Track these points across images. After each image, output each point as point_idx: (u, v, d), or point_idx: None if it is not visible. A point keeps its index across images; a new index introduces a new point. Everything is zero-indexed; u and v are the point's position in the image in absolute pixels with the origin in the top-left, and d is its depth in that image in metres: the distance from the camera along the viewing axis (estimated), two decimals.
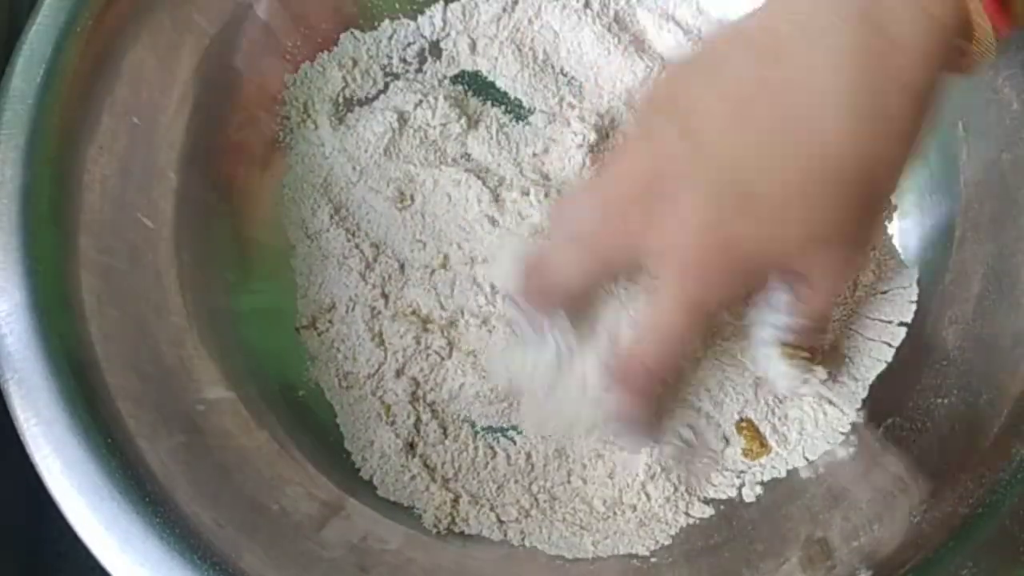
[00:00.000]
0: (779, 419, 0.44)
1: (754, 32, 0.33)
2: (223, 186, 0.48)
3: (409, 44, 0.52)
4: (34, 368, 0.37)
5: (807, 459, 0.44)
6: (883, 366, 0.45)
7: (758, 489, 0.44)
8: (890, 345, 0.45)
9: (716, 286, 0.33)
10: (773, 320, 0.37)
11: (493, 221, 0.47)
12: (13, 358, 0.37)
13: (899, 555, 0.37)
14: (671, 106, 0.34)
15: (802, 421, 0.44)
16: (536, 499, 0.44)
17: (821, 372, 0.42)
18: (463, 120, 0.49)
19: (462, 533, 0.44)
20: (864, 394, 0.45)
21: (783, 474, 0.44)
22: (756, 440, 0.43)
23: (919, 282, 0.46)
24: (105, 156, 0.42)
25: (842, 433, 0.44)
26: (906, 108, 0.32)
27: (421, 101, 0.49)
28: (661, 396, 0.39)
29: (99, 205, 0.42)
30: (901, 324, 0.46)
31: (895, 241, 0.48)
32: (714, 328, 0.42)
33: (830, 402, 0.44)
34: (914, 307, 0.46)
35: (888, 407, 0.44)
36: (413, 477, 0.44)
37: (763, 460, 0.44)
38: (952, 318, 0.44)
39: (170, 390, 0.41)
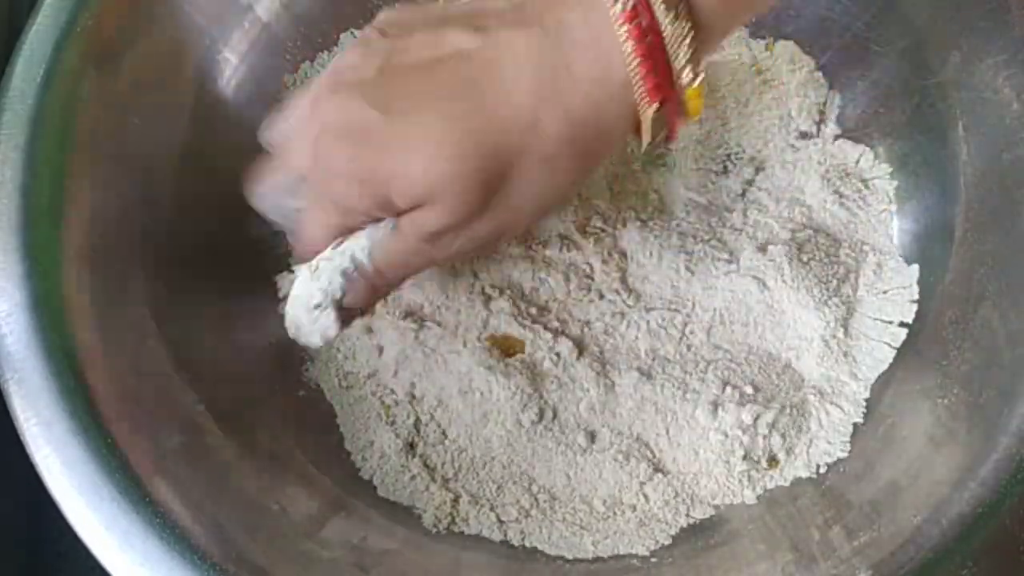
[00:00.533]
0: (786, 426, 0.44)
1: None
2: (225, 185, 0.47)
3: None
4: (34, 368, 0.37)
5: (810, 460, 0.44)
6: (884, 367, 0.45)
7: (758, 490, 0.44)
8: (891, 346, 0.45)
9: (350, 198, 0.37)
10: (354, 250, 0.39)
11: None
12: (13, 358, 0.37)
13: (899, 555, 0.37)
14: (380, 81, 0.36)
15: (806, 425, 0.44)
16: (536, 499, 0.44)
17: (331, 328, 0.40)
18: None
19: (462, 533, 0.44)
20: (866, 395, 0.45)
21: (787, 483, 0.44)
22: None
23: (919, 282, 0.46)
24: (104, 156, 0.42)
25: (845, 434, 0.44)
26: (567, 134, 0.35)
27: None
28: None
29: (99, 205, 0.41)
30: (902, 324, 0.46)
31: (895, 241, 0.48)
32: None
33: (833, 403, 0.44)
34: (915, 307, 0.46)
35: (888, 407, 0.44)
36: (413, 477, 0.44)
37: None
38: (952, 318, 0.43)
39: (168, 390, 0.41)
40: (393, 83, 0.36)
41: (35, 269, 0.38)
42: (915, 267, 0.46)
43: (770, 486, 0.44)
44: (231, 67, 0.48)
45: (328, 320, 0.39)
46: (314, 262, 0.39)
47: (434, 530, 0.43)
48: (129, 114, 0.43)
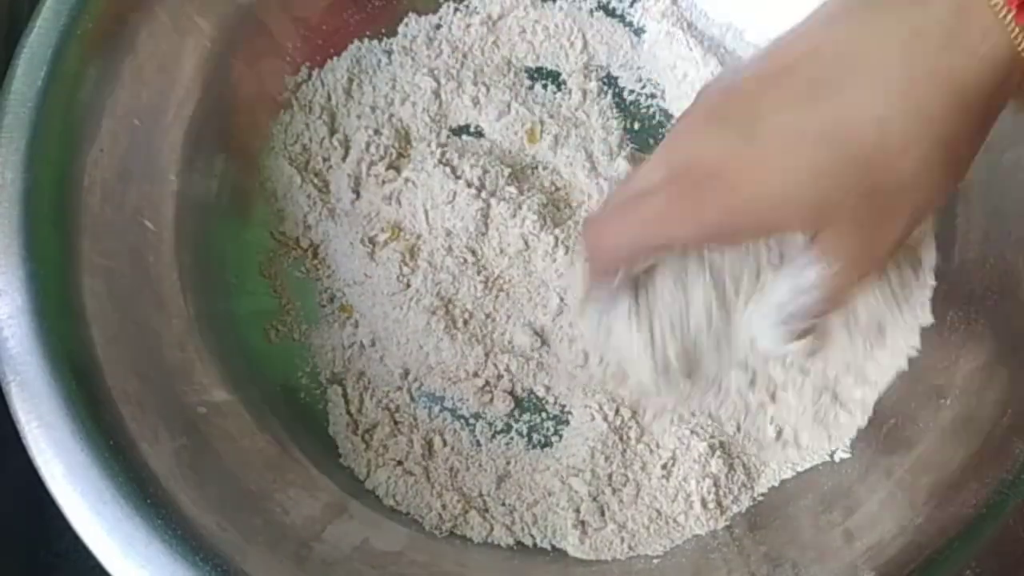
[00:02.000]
0: (790, 424, 0.44)
1: (801, 57, 0.33)
2: (224, 187, 0.48)
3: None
4: (36, 372, 0.37)
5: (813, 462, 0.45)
6: (894, 372, 0.45)
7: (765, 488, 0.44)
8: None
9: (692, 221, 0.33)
10: (792, 283, 0.36)
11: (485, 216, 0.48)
12: (15, 361, 0.37)
13: (903, 555, 0.37)
14: (730, 115, 0.33)
15: (808, 426, 0.44)
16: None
17: (804, 347, 0.39)
18: None
19: (464, 536, 0.44)
20: (875, 398, 0.45)
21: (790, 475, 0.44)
22: None
23: None
24: (106, 159, 0.42)
25: (850, 438, 0.44)
26: (961, 128, 0.32)
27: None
28: None
29: (100, 208, 0.41)
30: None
31: None
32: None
33: (843, 406, 0.44)
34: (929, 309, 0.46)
35: (891, 408, 0.44)
36: (416, 482, 0.44)
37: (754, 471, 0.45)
38: (954, 319, 0.43)
39: (172, 393, 0.41)
40: (736, 106, 0.33)
41: (37, 272, 0.38)
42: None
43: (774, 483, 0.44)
44: (232, 69, 0.48)
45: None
46: None
47: (437, 532, 0.43)
48: (130, 116, 0.43)
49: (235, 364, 0.44)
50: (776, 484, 0.44)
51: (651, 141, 0.52)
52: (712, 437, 0.44)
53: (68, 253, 0.40)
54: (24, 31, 0.42)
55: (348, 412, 0.46)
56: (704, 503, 0.43)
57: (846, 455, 0.44)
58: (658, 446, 0.44)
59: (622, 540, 0.43)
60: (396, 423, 0.46)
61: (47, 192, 0.40)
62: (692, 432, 0.44)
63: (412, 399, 0.46)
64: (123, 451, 0.37)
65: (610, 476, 0.44)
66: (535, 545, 0.44)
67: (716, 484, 0.44)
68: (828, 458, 0.44)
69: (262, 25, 0.49)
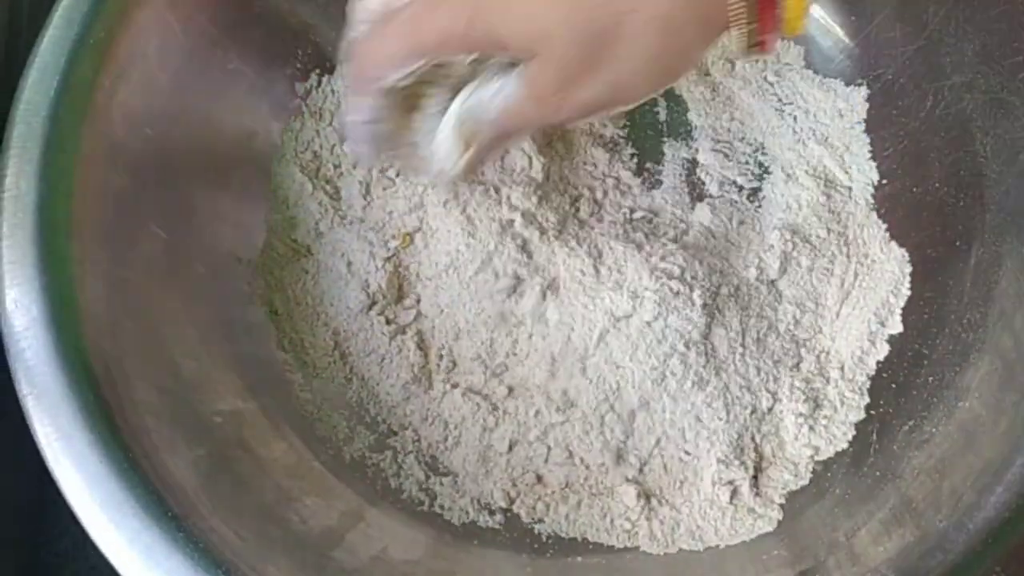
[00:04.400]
0: (782, 429, 0.44)
1: None
2: (237, 195, 0.47)
3: None
4: (53, 383, 0.37)
5: (818, 462, 0.45)
6: (874, 358, 0.46)
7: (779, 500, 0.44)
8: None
9: (442, 23, 0.36)
10: (482, 92, 0.38)
11: None
12: (32, 373, 0.37)
13: (927, 560, 0.36)
14: None
15: (801, 427, 0.45)
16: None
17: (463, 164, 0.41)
18: None
19: (482, 538, 0.44)
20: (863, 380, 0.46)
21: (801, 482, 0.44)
22: None
23: (939, 284, 0.46)
24: (119, 168, 0.42)
25: (849, 432, 0.45)
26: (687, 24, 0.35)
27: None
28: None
29: (114, 218, 0.41)
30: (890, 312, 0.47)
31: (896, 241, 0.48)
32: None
33: (842, 401, 0.45)
34: (908, 293, 0.47)
35: (910, 411, 0.44)
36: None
37: (772, 475, 0.45)
38: (971, 321, 0.43)
39: (188, 402, 0.41)
40: None
41: (52, 283, 0.38)
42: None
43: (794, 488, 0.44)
44: (243, 76, 0.48)
45: (454, 144, 0.39)
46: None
47: (458, 523, 0.43)
48: (143, 125, 0.43)
49: (250, 373, 0.44)
50: (796, 488, 0.44)
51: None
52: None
53: (83, 263, 0.39)
54: (23, 39, 0.42)
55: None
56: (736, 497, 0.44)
57: (862, 458, 0.44)
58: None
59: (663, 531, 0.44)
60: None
61: (61, 202, 0.40)
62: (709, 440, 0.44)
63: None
64: (142, 462, 0.36)
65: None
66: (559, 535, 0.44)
67: (736, 490, 0.44)
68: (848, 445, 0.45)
69: (273, 32, 0.49)
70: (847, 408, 0.46)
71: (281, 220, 0.49)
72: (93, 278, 0.39)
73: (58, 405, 0.36)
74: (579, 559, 0.43)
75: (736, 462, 0.44)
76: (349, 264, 0.48)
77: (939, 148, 0.47)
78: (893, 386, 0.46)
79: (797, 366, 0.46)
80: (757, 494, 0.44)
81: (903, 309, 0.47)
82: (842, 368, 0.46)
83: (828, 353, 0.47)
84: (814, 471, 0.45)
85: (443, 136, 0.40)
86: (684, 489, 0.44)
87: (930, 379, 0.44)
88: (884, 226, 0.48)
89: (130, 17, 0.43)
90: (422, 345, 0.48)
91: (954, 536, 0.37)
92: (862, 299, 0.47)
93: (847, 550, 0.39)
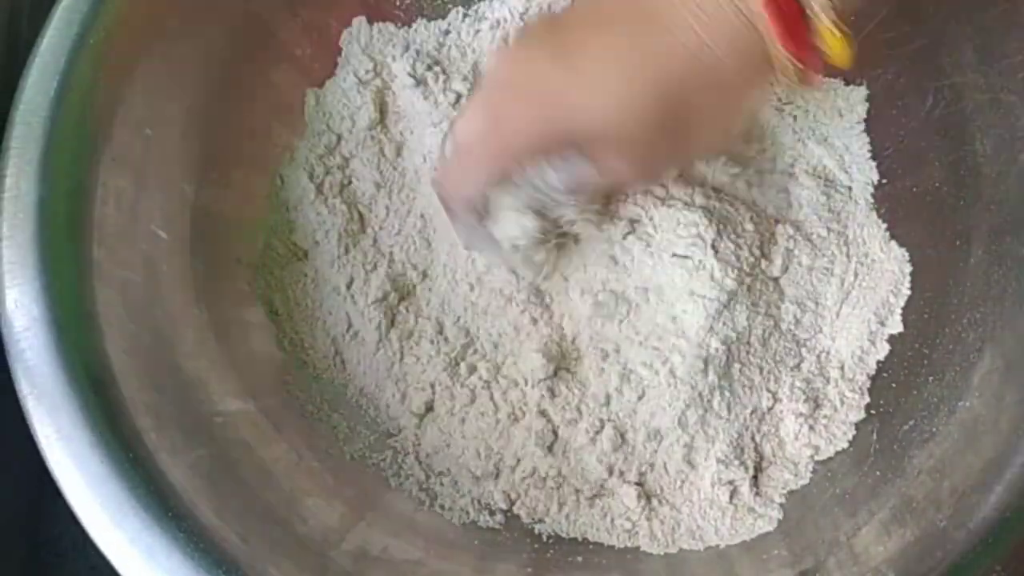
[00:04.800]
0: (782, 428, 0.45)
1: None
2: (237, 196, 0.47)
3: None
4: (53, 383, 0.37)
5: (819, 462, 0.45)
6: (874, 358, 0.46)
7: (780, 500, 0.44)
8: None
9: (518, 135, 0.39)
10: (544, 182, 0.40)
11: None
12: (32, 373, 0.37)
13: (927, 559, 0.37)
14: (549, 38, 0.39)
15: (801, 426, 0.45)
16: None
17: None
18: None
19: (482, 538, 0.44)
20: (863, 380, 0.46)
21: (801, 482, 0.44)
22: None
23: (938, 284, 0.46)
24: (119, 168, 0.42)
25: (849, 431, 0.45)
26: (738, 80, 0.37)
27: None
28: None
29: (114, 218, 0.41)
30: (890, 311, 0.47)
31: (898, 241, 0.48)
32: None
33: (842, 400, 0.45)
34: (908, 292, 0.47)
35: (910, 410, 0.44)
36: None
37: (772, 474, 0.45)
38: (971, 320, 0.43)
39: (188, 403, 0.41)
40: (561, 35, 0.38)
41: (53, 283, 0.38)
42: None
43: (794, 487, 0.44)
44: (243, 77, 0.48)
45: (530, 221, 0.42)
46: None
47: (458, 523, 0.44)
48: (144, 126, 0.43)
49: (250, 373, 0.44)
50: (796, 488, 0.44)
51: None
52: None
53: (83, 264, 0.39)
54: (23, 40, 0.42)
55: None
56: (736, 497, 0.44)
57: (862, 459, 0.44)
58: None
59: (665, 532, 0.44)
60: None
61: (61, 203, 0.40)
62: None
63: None
64: (142, 462, 0.36)
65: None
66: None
67: (736, 490, 0.44)
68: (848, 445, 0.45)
69: (273, 33, 0.49)
70: (847, 408, 0.46)
71: (281, 222, 0.49)
72: (93, 278, 0.39)
73: (58, 405, 0.36)
74: (579, 559, 0.44)
75: (736, 462, 0.44)
76: (351, 280, 0.48)
77: (939, 148, 0.47)
78: (893, 386, 0.46)
79: (798, 366, 0.46)
80: (757, 494, 0.44)
81: (903, 309, 0.47)
82: (842, 368, 0.46)
83: (828, 353, 0.47)
84: (814, 471, 0.45)
85: (510, 216, 0.42)
86: (684, 489, 0.44)
87: (930, 379, 0.44)
88: (884, 226, 0.48)
89: (130, 17, 0.43)
90: (421, 346, 0.48)
91: (954, 536, 0.37)
92: (862, 299, 0.47)
93: (847, 550, 0.39)
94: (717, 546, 0.44)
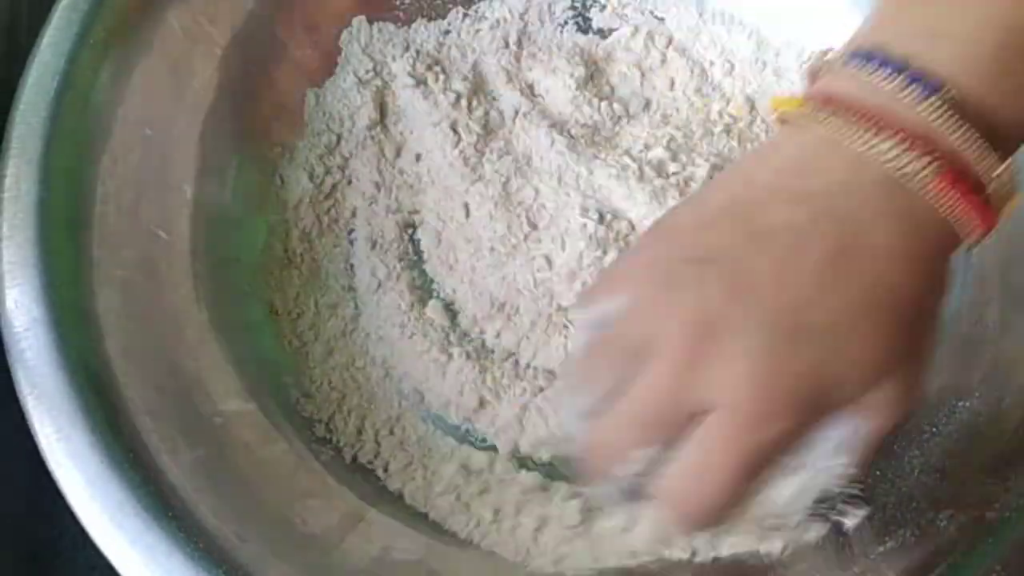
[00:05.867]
0: None
1: (782, 179, 0.31)
2: (237, 196, 0.47)
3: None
4: (53, 383, 0.37)
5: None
6: None
7: None
8: None
9: (780, 427, 0.30)
10: (825, 463, 0.32)
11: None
12: (32, 373, 0.37)
13: (926, 559, 0.37)
14: (701, 255, 0.31)
15: None
16: None
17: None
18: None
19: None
20: None
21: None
22: None
23: None
24: (119, 168, 0.42)
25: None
26: (930, 266, 0.32)
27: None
28: None
29: (114, 218, 0.41)
30: None
31: None
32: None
33: None
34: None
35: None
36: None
37: None
38: (971, 321, 0.43)
39: (189, 403, 0.41)
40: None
41: (52, 284, 0.38)
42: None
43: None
44: (243, 77, 0.48)
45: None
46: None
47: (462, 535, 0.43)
48: (143, 125, 0.43)
49: (250, 373, 0.44)
50: None
51: None
52: None
53: (83, 264, 0.40)
54: (23, 40, 0.42)
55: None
56: None
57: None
58: None
59: None
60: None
61: (61, 203, 0.40)
62: None
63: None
64: (142, 463, 0.36)
65: None
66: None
67: None
68: None
69: (273, 34, 0.49)
70: None
71: (279, 222, 0.49)
72: (93, 279, 0.40)
73: (59, 406, 0.36)
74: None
75: None
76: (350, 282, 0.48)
77: None
78: None
79: None
80: None
81: None
82: None
83: None
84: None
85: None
86: None
87: (931, 379, 0.44)
88: None
89: (130, 17, 0.43)
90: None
91: (954, 536, 0.37)
92: None
93: (848, 549, 0.39)
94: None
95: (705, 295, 0.30)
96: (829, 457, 0.32)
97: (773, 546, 0.40)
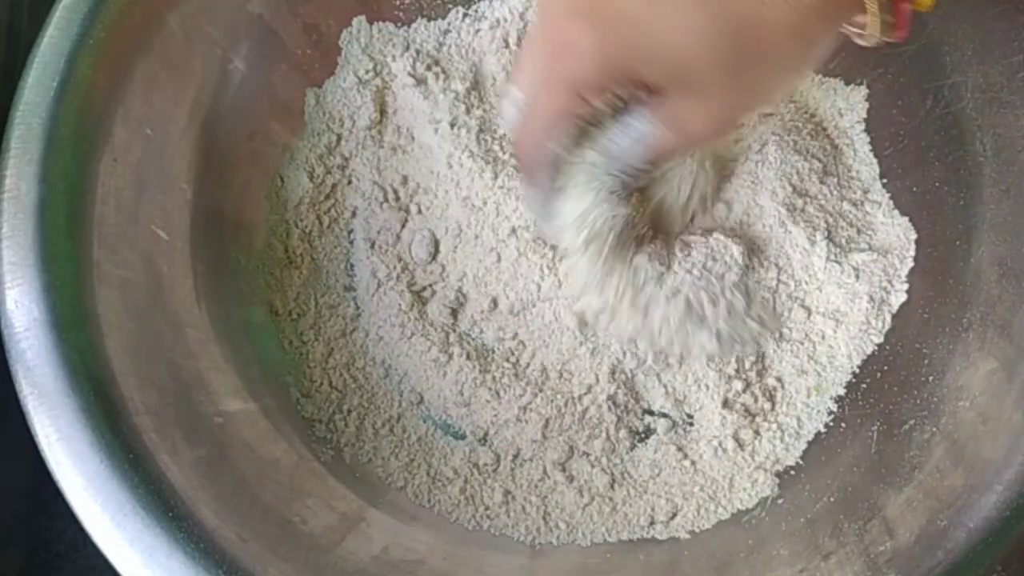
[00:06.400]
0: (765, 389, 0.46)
1: None
2: (237, 196, 0.47)
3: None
4: (54, 383, 0.37)
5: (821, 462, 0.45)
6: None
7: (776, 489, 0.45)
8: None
9: (580, 75, 0.35)
10: (614, 144, 0.38)
11: None
12: (33, 373, 0.37)
13: (927, 558, 0.37)
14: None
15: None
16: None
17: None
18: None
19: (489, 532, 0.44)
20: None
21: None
22: None
23: (939, 284, 0.46)
24: (119, 168, 0.42)
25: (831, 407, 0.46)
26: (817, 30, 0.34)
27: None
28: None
29: (114, 218, 0.41)
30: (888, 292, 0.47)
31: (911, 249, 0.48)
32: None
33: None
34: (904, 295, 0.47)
35: (910, 410, 0.44)
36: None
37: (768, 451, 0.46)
38: (971, 320, 0.43)
39: (189, 403, 0.41)
40: None
41: (53, 284, 0.38)
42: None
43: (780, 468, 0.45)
44: (243, 77, 0.48)
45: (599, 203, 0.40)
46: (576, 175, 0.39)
47: (469, 526, 0.44)
48: (143, 125, 0.43)
49: (250, 373, 0.44)
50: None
51: None
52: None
53: (83, 264, 0.39)
54: (23, 40, 0.41)
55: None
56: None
57: (863, 457, 0.44)
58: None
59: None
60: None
61: (61, 203, 0.40)
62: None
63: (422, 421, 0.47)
64: (142, 463, 0.36)
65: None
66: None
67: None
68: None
69: (273, 33, 0.49)
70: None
71: (279, 222, 0.49)
72: (93, 279, 0.39)
73: (59, 406, 0.36)
74: (580, 559, 0.44)
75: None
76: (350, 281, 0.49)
77: (939, 147, 0.47)
78: (894, 387, 0.46)
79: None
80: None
81: (903, 308, 0.47)
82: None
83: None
84: (814, 470, 0.45)
85: (580, 193, 0.40)
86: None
87: (930, 379, 0.44)
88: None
89: (130, 17, 0.43)
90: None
91: (954, 536, 0.37)
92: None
93: (848, 549, 0.39)
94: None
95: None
96: (623, 142, 0.37)
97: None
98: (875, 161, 0.49)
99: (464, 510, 0.44)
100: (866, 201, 0.49)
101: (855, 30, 0.35)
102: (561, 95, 0.36)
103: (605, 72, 0.35)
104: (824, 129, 0.50)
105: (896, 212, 0.48)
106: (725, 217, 0.47)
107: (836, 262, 0.47)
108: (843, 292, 0.47)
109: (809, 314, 0.47)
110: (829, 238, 0.47)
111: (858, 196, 0.49)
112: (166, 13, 0.44)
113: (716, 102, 0.35)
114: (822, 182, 0.48)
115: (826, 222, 0.47)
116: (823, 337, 0.47)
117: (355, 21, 0.51)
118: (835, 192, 0.48)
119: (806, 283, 0.47)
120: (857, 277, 0.47)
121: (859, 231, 0.48)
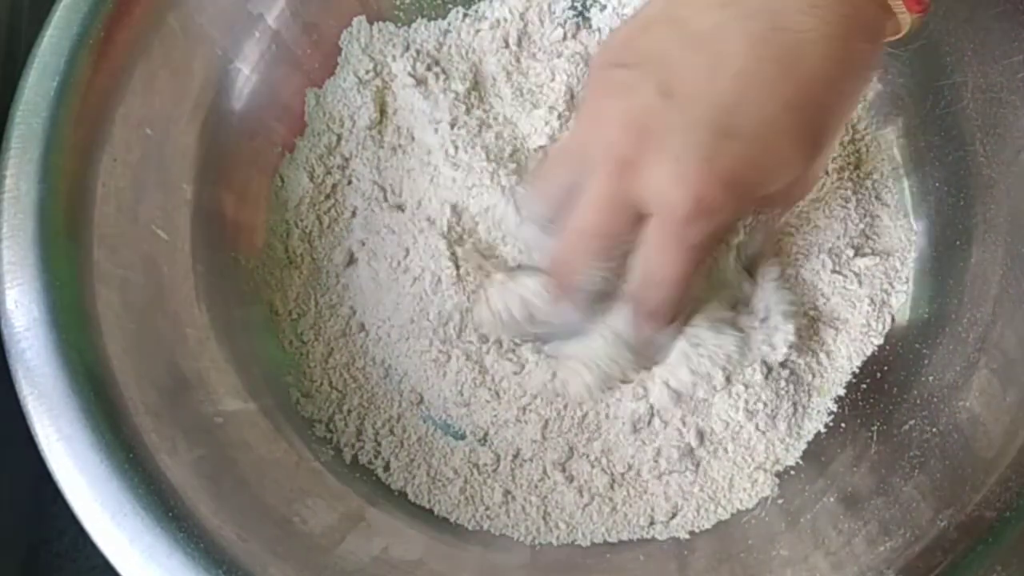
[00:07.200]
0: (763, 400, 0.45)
1: None
2: (237, 196, 0.47)
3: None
4: (54, 383, 0.37)
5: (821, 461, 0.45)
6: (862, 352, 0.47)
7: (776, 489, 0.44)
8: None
9: (715, 223, 0.33)
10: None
11: None
12: (33, 373, 0.37)
13: (926, 559, 0.37)
14: (635, 59, 0.33)
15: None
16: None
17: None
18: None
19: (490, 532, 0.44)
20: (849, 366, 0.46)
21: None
22: None
23: (939, 284, 0.46)
24: (119, 168, 0.42)
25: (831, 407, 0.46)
26: (867, 54, 0.34)
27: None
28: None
29: (114, 218, 0.41)
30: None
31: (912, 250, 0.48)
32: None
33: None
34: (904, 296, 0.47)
35: (909, 411, 0.44)
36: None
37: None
38: (971, 320, 0.44)
39: (189, 403, 0.41)
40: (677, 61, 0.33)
41: (53, 283, 0.38)
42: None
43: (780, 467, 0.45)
44: (243, 77, 0.48)
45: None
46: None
47: (469, 526, 0.44)
48: (143, 125, 0.43)
49: (250, 373, 0.44)
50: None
51: None
52: None
53: (83, 264, 0.39)
54: (23, 40, 0.42)
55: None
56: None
57: (862, 459, 0.44)
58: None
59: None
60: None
61: (61, 203, 0.40)
62: None
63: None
64: (142, 463, 0.36)
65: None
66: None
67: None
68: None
69: (274, 33, 0.49)
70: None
71: (279, 222, 0.49)
72: (93, 279, 0.39)
73: (59, 406, 0.36)
74: (581, 559, 0.44)
75: None
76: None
77: (939, 148, 0.47)
78: (894, 387, 0.46)
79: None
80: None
81: (903, 308, 0.47)
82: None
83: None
84: (814, 470, 0.45)
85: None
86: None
87: (930, 379, 0.44)
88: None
89: (130, 17, 0.43)
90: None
91: (954, 536, 0.37)
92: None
93: (847, 549, 0.39)
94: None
95: (638, 97, 0.32)
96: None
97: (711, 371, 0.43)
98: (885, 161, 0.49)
99: (464, 510, 0.44)
100: (877, 205, 0.49)
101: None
102: (703, 258, 0.35)
103: (739, 214, 0.35)
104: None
105: (901, 214, 0.48)
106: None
107: (840, 273, 0.47)
108: (846, 299, 0.47)
109: (812, 322, 0.47)
110: (835, 253, 0.47)
111: (874, 207, 0.49)
112: (166, 13, 0.44)
113: (812, 176, 0.36)
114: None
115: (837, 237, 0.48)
116: (823, 343, 0.47)
117: (355, 21, 0.51)
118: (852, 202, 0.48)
119: (810, 294, 0.47)
120: (860, 283, 0.47)
121: (867, 238, 0.48)
